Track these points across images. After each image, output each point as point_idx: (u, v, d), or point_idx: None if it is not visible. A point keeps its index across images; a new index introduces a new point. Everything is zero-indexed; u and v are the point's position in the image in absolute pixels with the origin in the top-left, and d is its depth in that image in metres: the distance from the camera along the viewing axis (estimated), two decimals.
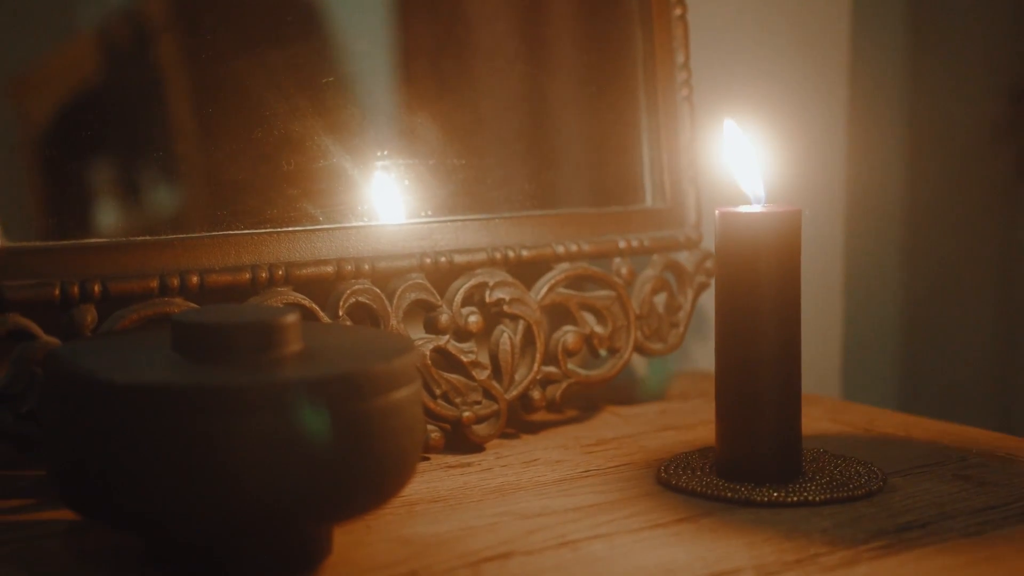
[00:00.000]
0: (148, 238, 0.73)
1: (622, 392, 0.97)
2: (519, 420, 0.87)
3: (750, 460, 0.73)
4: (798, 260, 0.73)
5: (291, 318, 0.60)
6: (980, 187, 1.85)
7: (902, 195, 1.70)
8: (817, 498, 0.70)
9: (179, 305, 0.72)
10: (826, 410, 0.93)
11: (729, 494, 0.71)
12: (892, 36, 1.65)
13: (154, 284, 0.71)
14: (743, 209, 0.73)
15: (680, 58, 0.93)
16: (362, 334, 0.69)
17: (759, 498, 0.70)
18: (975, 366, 1.86)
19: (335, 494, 0.57)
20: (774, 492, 0.71)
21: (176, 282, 0.72)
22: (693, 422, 0.90)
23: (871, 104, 1.39)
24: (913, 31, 1.71)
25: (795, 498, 0.70)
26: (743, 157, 0.76)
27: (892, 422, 0.90)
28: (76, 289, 0.69)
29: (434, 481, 0.75)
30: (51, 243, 0.71)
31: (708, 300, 1.01)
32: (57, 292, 0.69)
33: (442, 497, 0.72)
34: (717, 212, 0.73)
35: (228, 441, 0.55)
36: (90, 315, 0.70)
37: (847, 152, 1.17)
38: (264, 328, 0.59)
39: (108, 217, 0.74)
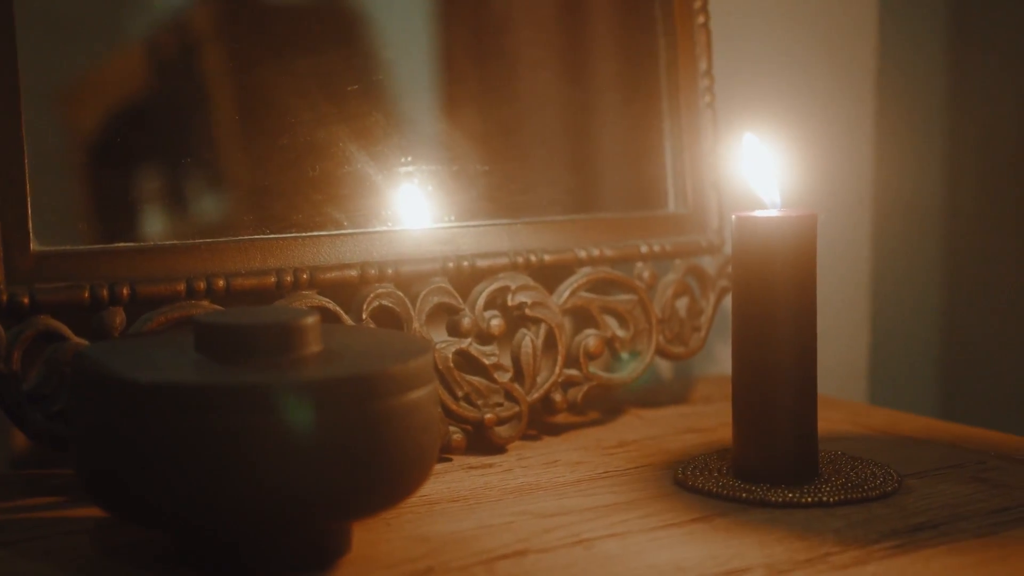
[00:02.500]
0: (176, 242, 0.74)
1: (645, 395, 0.98)
2: (541, 422, 0.89)
3: (766, 461, 0.74)
4: (814, 263, 0.74)
5: (310, 320, 0.61)
6: (1021, 191, 1.84)
7: (939, 200, 1.70)
8: (831, 499, 0.71)
9: (205, 308, 0.73)
10: (848, 413, 0.94)
11: (744, 495, 0.72)
12: (928, 39, 1.65)
13: (181, 287, 0.73)
14: (759, 213, 0.74)
15: (703, 65, 0.94)
16: (380, 336, 0.70)
17: (774, 498, 0.71)
18: (1016, 374, 1.84)
19: (353, 492, 0.59)
20: (789, 493, 0.72)
21: (202, 285, 0.73)
22: (714, 424, 0.91)
23: (904, 109, 1.38)
24: (951, 34, 1.70)
25: (809, 499, 0.71)
26: (761, 166, 0.77)
27: (914, 425, 0.90)
28: (105, 292, 0.71)
29: (455, 481, 0.77)
30: (81, 247, 0.72)
31: (730, 305, 1.02)
32: (87, 295, 0.71)
33: (462, 496, 0.74)
34: (734, 216, 0.74)
35: (247, 439, 0.56)
36: (119, 317, 0.72)
37: (875, 157, 1.17)
38: (284, 330, 0.60)
39: (137, 222, 0.76)
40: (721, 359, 1.08)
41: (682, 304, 0.93)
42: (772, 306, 0.73)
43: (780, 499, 0.71)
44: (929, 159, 1.50)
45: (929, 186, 1.56)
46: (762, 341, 0.74)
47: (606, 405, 0.94)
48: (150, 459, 0.57)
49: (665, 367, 1.06)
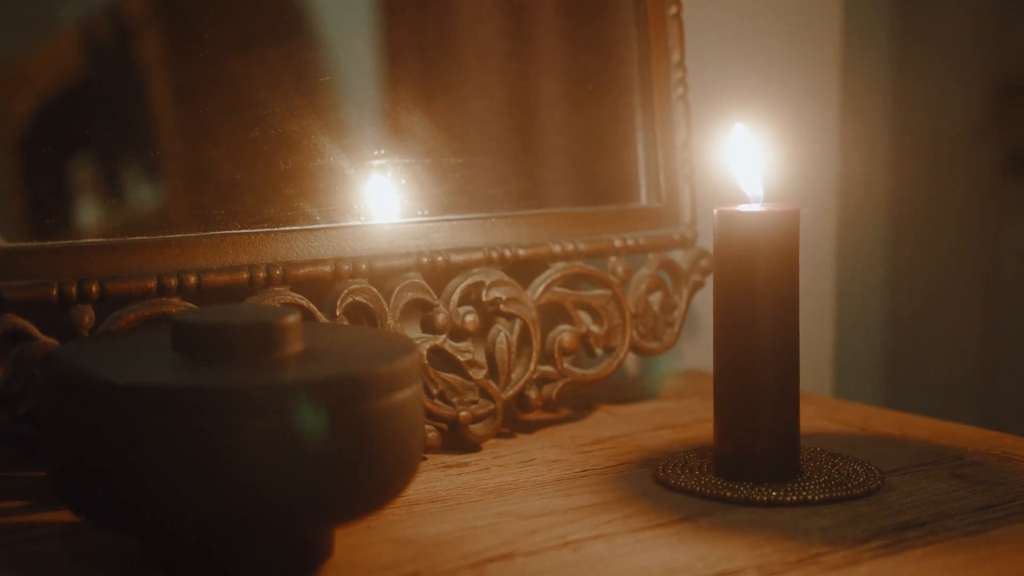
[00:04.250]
0: (146, 238, 0.72)
1: (616, 391, 0.97)
2: (514, 419, 0.87)
3: (749, 459, 0.73)
4: (796, 259, 0.73)
5: (292, 318, 0.60)
6: (967, 184, 1.85)
7: (889, 193, 1.71)
8: (816, 497, 0.70)
9: (176, 305, 0.71)
10: (821, 408, 0.93)
11: (728, 493, 0.71)
12: (878, 32, 1.65)
13: (152, 284, 0.71)
14: (742, 208, 0.73)
15: (675, 57, 0.93)
16: (363, 334, 0.69)
17: (758, 497, 0.70)
18: (962, 363, 1.86)
19: (338, 496, 0.57)
20: (773, 491, 0.71)
21: (174, 282, 0.71)
22: (688, 421, 0.90)
23: (860, 102, 1.39)
24: (899, 27, 1.71)
25: (794, 497, 0.70)
26: (748, 159, 0.76)
27: (887, 421, 0.90)
28: (74, 289, 0.69)
29: (432, 481, 0.75)
30: (49, 243, 0.70)
31: (701, 299, 1.01)
32: (55, 292, 0.69)
33: (441, 497, 0.72)
34: (716, 211, 0.73)
35: (230, 442, 0.54)
36: (88, 315, 0.69)
37: (839, 150, 1.17)
38: (266, 329, 0.59)
39: (106, 217, 0.73)
40: (689, 354, 1.07)
41: (655, 299, 0.92)
42: (754, 301, 0.72)
43: (765, 498, 0.70)
44: (882, 152, 1.51)
45: (881, 178, 1.56)
46: (745, 337, 0.73)
47: (577, 401, 0.93)
48: (128, 462, 0.55)
49: (631, 362, 1.05)
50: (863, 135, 1.47)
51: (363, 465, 0.57)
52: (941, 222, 1.83)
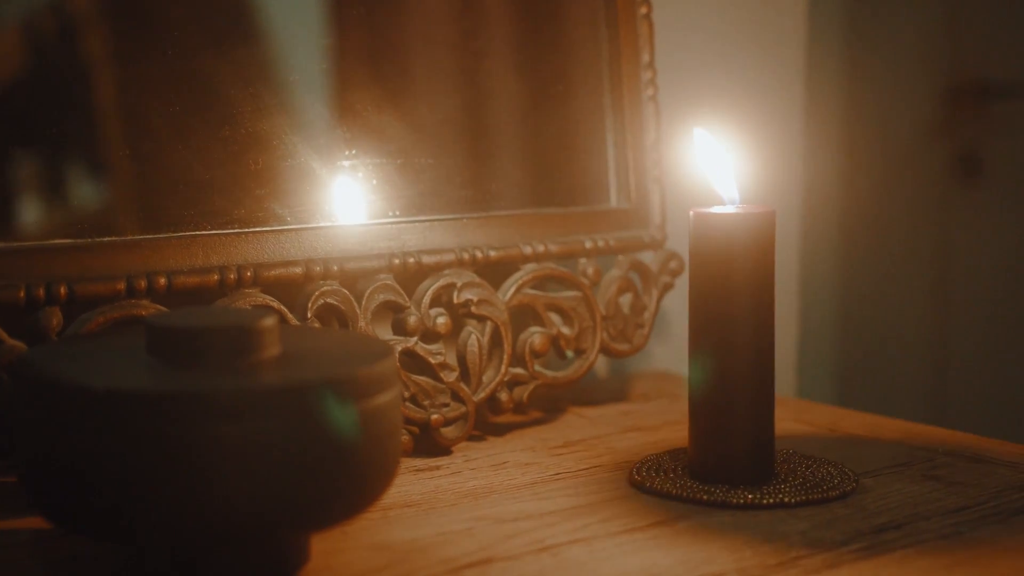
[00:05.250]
0: (115, 239, 0.71)
1: (585, 393, 0.97)
2: (485, 422, 0.87)
3: (724, 462, 0.73)
4: (772, 261, 0.73)
5: (269, 322, 0.59)
6: (915, 186, 1.87)
7: (840, 195, 1.72)
8: (792, 500, 0.70)
9: (146, 307, 0.70)
10: (789, 410, 0.93)
11: (705, 496, 0.71)
12: (830, 36, 1.66)
13: (121, 286, 0.70)
14: (717, 210, 0.73)
15: (645, 57, 0.93)
16: (339, 337, 0.68)
17: (735, 500, 0.70)
18: (913, 362, 1.88)
19: (317, 502, 0.56)
20: (749, 494, 0.71)
21: (143, 284, 0.70)
22: (658, 423, 0.89)
23: (817, 104, 1.39)
24: (851, 32, 1.72)
25: (770, 500, 0.70)
26: (715, 161, 0.76)
27: (856, 422, 0.90)
28: (42, 291, 0.67)
29: (405, 485, 0.74)
30: (16, 244, 0.69)
31: (669, 301, 1.01)
32: (22, 294, 0.67)
33: (415, 502, 0.71)
34: (691, 213, 0.73)
35: (209, 448, 0.53)
36: (56, 318, 0.68)
37: (803, 152, 1.17)
38: (243, 332, 0.58)
39: (74, 218, 0.72)
40: (657, 356, 1.07)
41: (625, 300, 0.91)
42: (730, 304, 0.72)
43: (741, 501, 0.70)
44: (833, 154, 1.51)
45: (832, 180, 1.57)
46: (720, 339, 0.72)
47: (547, 404, 0.93)
48: (102, 468, 0.54)
49: (600, 364, 1.05)
50: (816, 138, 1.47)
51: (344, 470, 0.56)
52: (892, 223, 1.84)
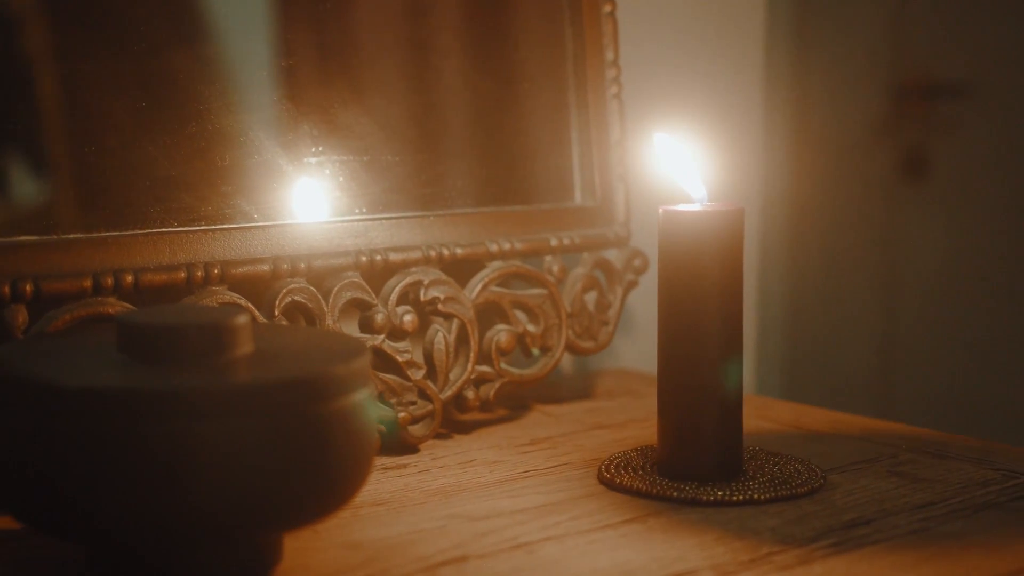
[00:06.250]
0: (81, 236, 0.70)
1: (549, 390, 0.97)
2: (450, 420, 0.86)
3: (693, 459, 0.73)
4: (740, 258, 0.73)
5: (242, 319, 0.58)
6: (863, 184, 1.89)
7: (790, 192, 1.73)
8: (762, 496, 0.71)
9: (113, 305, 0.69)
10: (751, 407, 0.93)
11: (675, 493, 0.71)
12: (777, 34, 1.67)
13: (87, 284, 0.69)
14: (686, 207, 0.73)
15: (610, 55, 0.93)
16: (312, 335, 0.67)
17: (705, 497, 0.70)
18: (858, 356, 1.89)
19: (292, 500, 0.56)
20: (719, 491, 0.71)
21: (110, 281, 0.69)
22: (623, 420, 0.90)
23: (774, 103, 1.40)
24: (799, 31, 1.73)
25: (740, 497, 0.70)
26: (679, 161, 0.76)
27: (818, 419, 0.90)
28: (7, 289, 0.66)
29: (373, 483, 0.74)
30: None
31: (633, 299, 1.01)
32: None
33: (384, 500, 0.71)
34: (660, 210, 0.73)
35: (184, 447, 0.53)
36: (21, 315, 0.67)
37: (762, 150, 1.18)
38: (216, 330, 0.57)
39: (40, 215, 0.71)
40: (620, 354, 1.07)
41: (591, 298, 0.91)
42: (700, 301, 0.72)
43: (711, 497, 0.70)
44: (780, 152, 1.52)
45: (780, 177, 1.58)
46: (690, 336, 0.73)
47: (511, 402, 0.93)
48: (75, 467, 0.53)
49: (564, 361, 1.05)
50: (774, 136, 1.48)
51: (320, 469, 0.56)
52: (840, 221, 1.86)
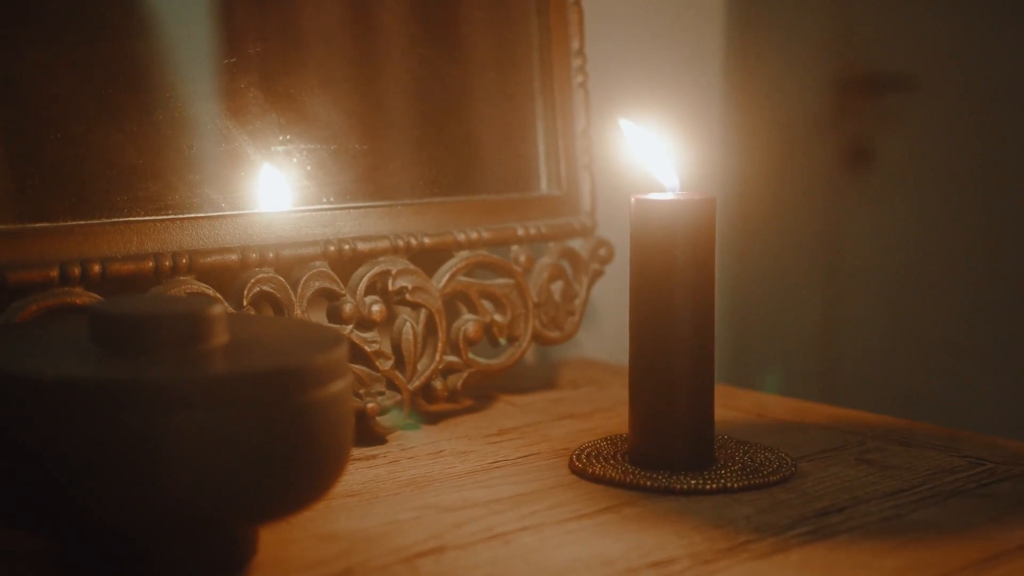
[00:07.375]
0: (47, 224, 0.69)
1: (514, 380, 0.96)
2: (418, 410, 0.86)
3: (665, 448, 0.73)
4: (712, 247, 0.73)
5: (218, 309, 0.58)
6: (808, 175, 1.90)
7: (737, 183, 1.73)
8: (735, 485, 0.71)
9: (80, 295, 0.68)
10: (716, 396, 0.93)
11: (648, 482, 0.71)
12: (733, 23, 1.67)
13: (54, 273, 0.68)
14: (657, 196, 0.73)
15: (575, 44, 0.93)
16: (287, 325, 0.67)
17: (679, 486, 0.70)
18: (802, 346, 1.90)
19: (271, 491, 0.55)
20: (692, 480, 0.71)
21: (77, 271, 0.68)
22: (589, 410, 0.89)
23: (734, 96, 1.40)
24: (742, 21, 1.74)
25: (713, 485, 0.70)
26: (646, 149, 0.76)
27: (782, 407, 0.91)
28: None
29: (344, 474, 0.73)
30: None
31: (598, 289, 1.01)
32: None
33: (357, 491, 0.71)
34: (632, 199, 0.73)
35: (162, 438, 0.52)
36: None
37: (720, 141, 1.18)
38: (192, 320, 0.57)
39: (5, 203, 0.69)
40: (585, 343, 1.07)
41: (557, 288, 0.91)
42: (671, 290, 0.72)
43: (685, 486, 0.70)
44: (723, 142, 1.52)
45: (729, 171, 1.59)
46: (661, 325, 0.72)
47: (477, 392, 0.92)
48: (49, 460, 0.52)
49: (529, 351, 1.04)
50: (729, 128, 1.48)
51: (299, 460, 0.56)
52: (785, 212, 1.87)
